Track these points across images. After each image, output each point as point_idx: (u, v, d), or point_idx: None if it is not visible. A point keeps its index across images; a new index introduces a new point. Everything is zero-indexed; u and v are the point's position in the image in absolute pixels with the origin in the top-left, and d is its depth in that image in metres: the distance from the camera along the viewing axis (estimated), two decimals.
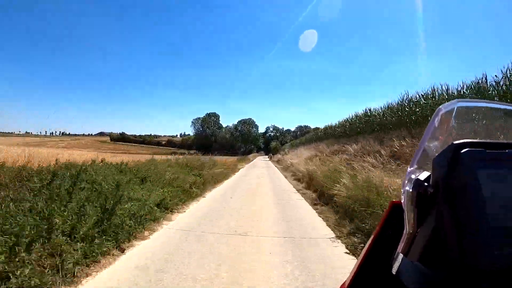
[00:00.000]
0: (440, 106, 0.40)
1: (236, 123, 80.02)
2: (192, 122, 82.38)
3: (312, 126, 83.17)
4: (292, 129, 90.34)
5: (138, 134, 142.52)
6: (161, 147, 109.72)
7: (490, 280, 0.32)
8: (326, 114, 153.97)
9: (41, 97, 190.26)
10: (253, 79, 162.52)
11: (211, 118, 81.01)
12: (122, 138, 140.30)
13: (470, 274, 0.32)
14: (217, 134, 78.94)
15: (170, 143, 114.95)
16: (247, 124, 78.35)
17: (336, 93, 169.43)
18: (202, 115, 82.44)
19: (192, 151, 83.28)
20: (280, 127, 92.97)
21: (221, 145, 77.78)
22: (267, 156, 54.73)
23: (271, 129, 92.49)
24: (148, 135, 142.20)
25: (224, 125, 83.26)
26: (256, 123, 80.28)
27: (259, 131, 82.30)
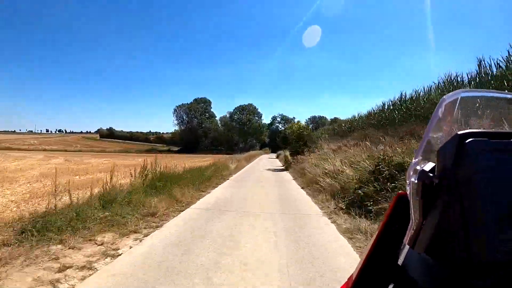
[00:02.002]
0: (444, 97, 0.40)
1: (232, 110, 59.97)
2: (175, 110, 62.30)
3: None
4: (303, 121, 70.97)
5: (128, 131, 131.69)
6: (149, 143, 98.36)
7: (495, 273, 0.31)
8: (332, 108, 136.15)
9: (41, 97, 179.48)
10: (255, 77, 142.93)
11: (200, 105, 61.52)
12: (109, 134, 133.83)
13: (475, 266, 0.31)
14: (207, 125, 59.74)
15: (159, 140, 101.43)
16: (247, 111, 58.29)
17: (343, 88, 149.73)
18: (189, 101, 62.94)
19: (175, 148, 64.46)
20: (290, 116, 73.33)
21: (213, 139, 58.96)
22: (275, 156, 35.35)
23: (279, 119, 72.71)
24: (136, 131, 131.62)
25: (218, 115, 63.80)
26: (258, 110, 60.40)
27: (263, 121, 62.41)
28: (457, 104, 0.40)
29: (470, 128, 0.36)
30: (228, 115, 59.04)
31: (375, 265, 0.42)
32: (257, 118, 58.90)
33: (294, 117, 73.49)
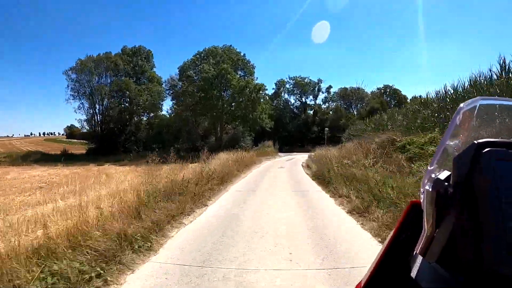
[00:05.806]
0: (462, 104, 0.39)
1: (188, 59, 25.84)
2: (70, 70, 28.02)
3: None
4: (333, 89, 40.20)
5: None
6: None
7: (509, 284, 0.30)
8: None
9: (38, 98, 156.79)
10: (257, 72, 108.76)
11: (128, 59, 28.99)
12: (70, 133, 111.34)
13: (488, 278, 0.31)
14: (138, 102, 27.72)
15: None
16: (220, 57, 25.19)
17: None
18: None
19: (83, 150, 33.13)
20: (314, 79, 39.98)
21: (159, 129, 28.32)
22: (301, 166, 5.47)
23: (289, 85, 39.96)
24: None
25: (164, 78, 31.78)
26: (248, 59, 27.46)
27: (262, 94, 29.88)
28: (476, 112, 0.38)
29: (488, 137, 0.35)
30: (179, 73, 25.91)
31: (385, 274, 0.41)
32: (245, 74, 26.96)
33: (320, 80, 41.04)
